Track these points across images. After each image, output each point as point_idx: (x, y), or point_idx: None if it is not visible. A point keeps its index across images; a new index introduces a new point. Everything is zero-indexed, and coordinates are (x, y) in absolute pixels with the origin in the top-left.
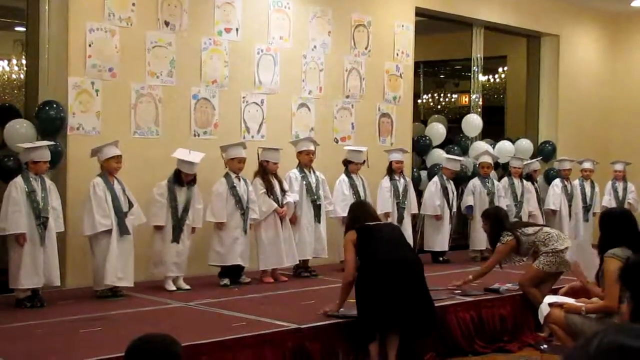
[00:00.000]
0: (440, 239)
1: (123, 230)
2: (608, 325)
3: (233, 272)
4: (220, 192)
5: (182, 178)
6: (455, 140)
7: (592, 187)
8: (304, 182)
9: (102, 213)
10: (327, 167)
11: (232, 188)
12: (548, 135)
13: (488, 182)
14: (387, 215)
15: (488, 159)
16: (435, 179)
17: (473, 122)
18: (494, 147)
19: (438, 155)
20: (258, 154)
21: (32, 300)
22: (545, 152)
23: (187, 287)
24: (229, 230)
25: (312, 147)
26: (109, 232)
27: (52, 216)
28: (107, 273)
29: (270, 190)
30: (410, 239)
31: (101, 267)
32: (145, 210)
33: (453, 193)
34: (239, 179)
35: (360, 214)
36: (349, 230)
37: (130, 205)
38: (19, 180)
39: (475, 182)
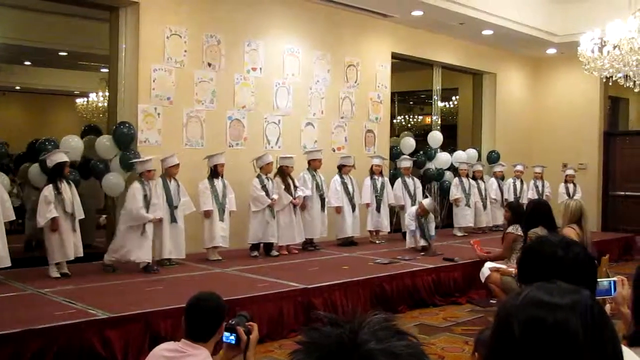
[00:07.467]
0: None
1: (173, 219)
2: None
3: (264, 247)
4: (257, 186)
5: (218, 173)
6: (423, 151)
7: (522, 184)
8: (314, 182)
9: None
10: (327, 169)
11: (264, 187)
12: (489, 146)
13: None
14: (367, 205)
15: (464, 166)
16: (399, 178)
17: (436, 137)
18: (452, 155)
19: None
20: (277, 160)
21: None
22: (491, 158)
23: (220, 257)
24: (264, 216)
25: (321, 157)
26: (162, 219)
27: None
28: (162, 249)
29: (287, 187)
30: (388, 221)
31: (157, 244)
32: (194, 200)
33: (415, 187)
34: (267, 179)
35: None
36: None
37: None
38: (137, 185)
39: (456, 180)
